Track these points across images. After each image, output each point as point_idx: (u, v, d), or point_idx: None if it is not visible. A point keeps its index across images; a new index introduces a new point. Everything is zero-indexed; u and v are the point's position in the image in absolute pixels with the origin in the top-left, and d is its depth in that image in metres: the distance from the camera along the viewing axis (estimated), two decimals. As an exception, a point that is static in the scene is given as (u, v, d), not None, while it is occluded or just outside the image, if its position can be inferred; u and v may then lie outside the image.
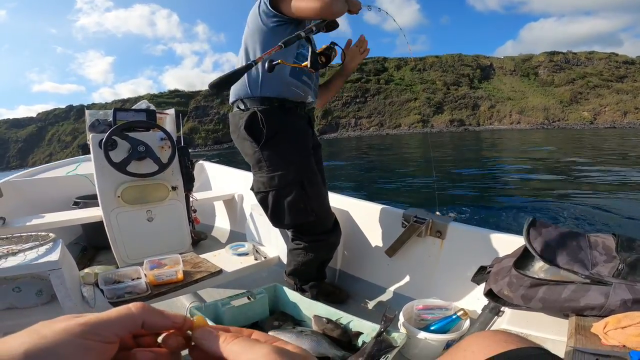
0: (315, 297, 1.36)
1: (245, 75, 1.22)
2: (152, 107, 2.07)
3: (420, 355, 1.20)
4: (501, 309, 1.19)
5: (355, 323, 1.19)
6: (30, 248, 1.12)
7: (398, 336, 1.09)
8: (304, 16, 1.20)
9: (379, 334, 1.07)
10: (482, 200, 6.09)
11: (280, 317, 1.32)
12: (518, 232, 1.32)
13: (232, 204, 2.75)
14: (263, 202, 1.34)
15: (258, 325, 1.29)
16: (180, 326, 0.28)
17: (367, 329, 1.16)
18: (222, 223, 2.87)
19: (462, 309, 1.22)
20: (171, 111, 2.25)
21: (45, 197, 2.43)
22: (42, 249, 1.13)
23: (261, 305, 1.33)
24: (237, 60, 1.34)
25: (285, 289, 1.41)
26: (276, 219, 1.34)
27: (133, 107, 2.00)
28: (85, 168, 2.82)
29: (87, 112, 1.98)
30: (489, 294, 1.14)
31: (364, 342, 1.13)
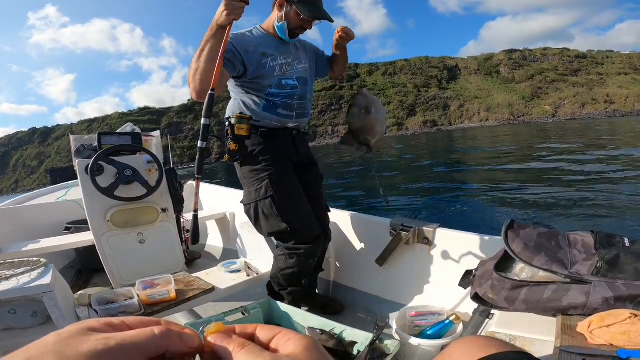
0: (292, 303, 1.39)
1: (230, 105, 1.52)
2: (138, 129, 2.06)
3: (415, 361, 1.20)
4: (491, 312, 1.20)
5: (349, 333, 1.20)
6: (23, 273, 1.13)
7: (391, 344, 1.10)
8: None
9: (372, 343, 1.08)
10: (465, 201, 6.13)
11: (275, 330, 1.33)
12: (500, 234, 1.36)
13: (224, 222, 2.75)
14: (247, 213, 1.50)
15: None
16: (197, 349, 0.29)
17: (361, 338, 1.17)
18: (215, 241, 2.87)
19: (454, 314, 1.24)
20: (156, 133, 2.27)
21: (36, 223, 2.41)
22: (35, 273, 1.15)
23: (256, 321, 1.34)
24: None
25: (279, 303, 1.42)
26: (257, 227, 1.49)
27: (117, 131, 2.01)
28: (74, 193, 2.82)
29: (71, 137, 1.97)
30: (476, 297, 1.15)
31: (359, 352, 1.14)
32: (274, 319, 1.42)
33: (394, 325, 1.25)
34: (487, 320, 1.22)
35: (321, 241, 1.42)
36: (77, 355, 0.23)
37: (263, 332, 0.30)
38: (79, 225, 2.26)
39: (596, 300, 0.90)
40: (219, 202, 2.82)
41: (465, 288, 1.23)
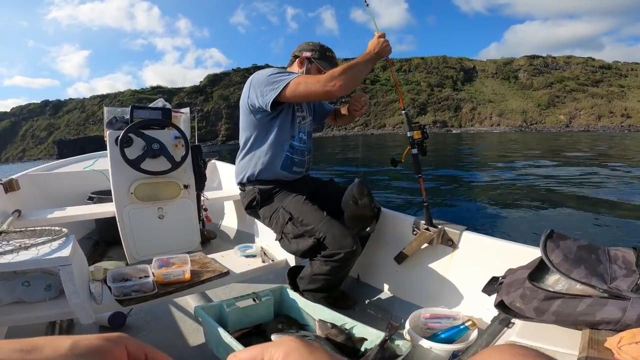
0: (317, 301, 1.35)
1: (244, 163, 1.58)
2: (168, 105, 2.08)
3: (426, 365, 1.16)
4: (511, 321, 1.15)
5: (360, 329, 1.17)
6: (43, 243, 1.12)
7: (403, 344, 1.06)
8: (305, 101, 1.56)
9: (384, 342, 1.05)
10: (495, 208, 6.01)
11: (285, 320, 1.31)
12: (533, 244, 1.28)
13: (242, 205, 2.76)
14: (285, 248, 1.51)
15: (262, 327, 1.28)
16: None
17: (371, 336, 1.14)
18: (230, 223, 2.89)
19: (470, 319, 1.19)
20: (186, 110, 2.27)
21: (61, 191, 2.48)
22: (55, 244, 1.14)
23: (266, 308, 1.33)
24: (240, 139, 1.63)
25: (291, 292, 1.40)
26: (295, 253, 1.49)
27: (150, 105, 2.02)
28: (102, 164, 2.88)
29: (105, 109, 2.01)
30: (500, 305, 1.10)
31: (367, 349, 1.11)
32: (283, 308, 1.41)
33: (407, 325, 1.20)
34: (505, 329, 1.16)
35: (356, 250, 1.36)
36: None
37: (243, 355, 0.29)
38: (102, 196, 2.31)
39: (631, 317, 0.85)
40: None
41: (489, 295, 1.17)
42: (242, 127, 1.58)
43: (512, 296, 1.05)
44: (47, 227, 1.29)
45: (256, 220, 2.51)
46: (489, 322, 1.19)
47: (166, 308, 1.58)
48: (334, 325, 1.18)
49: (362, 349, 1.13)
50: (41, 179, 2.47)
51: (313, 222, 1.40)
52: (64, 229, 1.25)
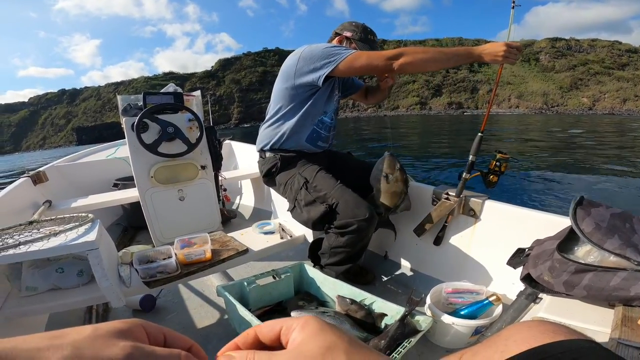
0: (336, 277, 1.35)
1: (269, 131, 1.58)
2: (179, 89, 2.10)
3: (446, 341, 1.15)
4: (538, 296, 1.11)
5: (380, 305, 1.17)
6: (71, 228, 1.17)
7: (424, 320, 1.05)
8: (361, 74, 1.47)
9: (404, 317, 1.04)
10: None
11: (305, 297, 1.33)
12: (562, 213, 1.21)
13: (259, 183, 2.78)
14: (296, 217, 1.50)
15: (282, 305, 1.30)
16: None
17: (391, 311, 1.13)
18: (249, 201, 2.93)
19: (494, 294, 1.15)
20: (197, 93, 2.27)
21: (87, 180, 2.58)
22: (82, 229, 1.19)
23: (286, 285, 1.35)
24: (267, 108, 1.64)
25: (310, 268, 1.41)
26: (308, 225, 1.45)
27: (161, 91, 2.04)
28: (123, 151, 2.96)
29: (118, 97, 2.04)
30: (526, 278, 1.06)
31: (387, 325, 1.10)
32: (303, 285, 1.43)
33: (427, 300, 1.19)
34: (532, 304, 1.12)
35: (372, 219, 1.32)
36: (94, 357, 0.23)
37: (264, 332, 0.30)
38: (126, 182, 2.40)
39: (671, 292, 0.80)
40: (254, 161, 2.84)
41: (514, 268, 1.13)
42: (276, 96, 1.55)
43: (539, 269, 1.00)
44: (75, 214, 1.34)
45: (273, 197, 2.53)
46: (515, 297, 1.15)
47: (191, 289, 1.64)
48: (353, 301, 1.18)
49: (382, 324, 1.13)
50: (67, 169, 2.58)
51: (326, 188, 1.38)
52: (90, 215, 1.30)
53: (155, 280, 1.23)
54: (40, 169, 2.25)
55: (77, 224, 1.22)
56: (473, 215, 1.41)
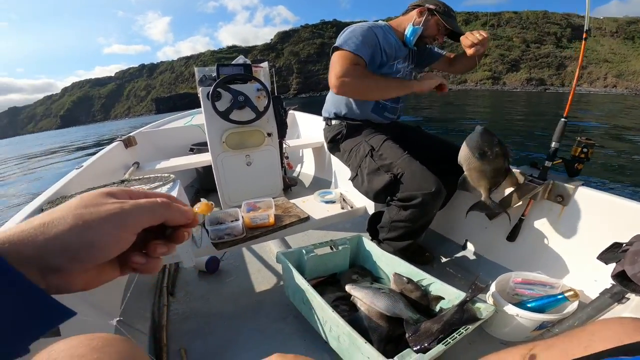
0: (393, 254, 1.33)
1: (337, 99, 1.61)
2: (248, 61, 2.20)
3: (504, 332, 1.09)
4: (626, 296, 0.98)
5: (438, 287, 1.14)
6: (156, 187, 1.32)
7: (485, 308, 1.00)
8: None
9: (463, 303, 1.00)
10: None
11: (359, 271, 1.34)
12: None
13: (321, 152, 2.81)
14: (357, 186, 1.49)
15: (336, 276, 1.34)
16: (191, 222, 0.36)
17: (450, 295, 1.10)
18: (309, 170, 3.00)
19: (572, 289, 1.05)
20: (265, 64, 2.34)
21: (168, 145, 2.88)
22: (164, 189, 1.33)
23: (342, 257, 1.38)
24: None
25: (367, 242, 1.41)
26: (370, 196, 1.43)
27: (232, 63, 2.15)
28: (198, 119, 3.22)
29: (195, 69, 2.20)
30: (619, 276, 0.94)
31: (442, 309, 1.08)
32: (359, 258, 1.44)
33: (492, 288, 1.12)
34: (616, 304, 1.00)
35: (438, 194, 1.25)
36: (95, 216, 0.28)
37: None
38: (200, 147, 2.64)
39: None
40: (316, 131, 2.86)
41: (606, 263, 1.00)
42: None
43: (637, 267, 0.88)
44: (158, 175, 1.50)
45: (334, 167, 2.55)
46: (593, 296, 1.03)
47: (252, 253, 1.75)
48: (410, 280, 1.17)
49: (437, 308, 1.11)
50: (152, 135, 2.90)
51: (392, 157, 1.35)
52: (171, 175, 1.44)
53: (222, 242, 1.35)
54: (131, 134, 2.55)
55: (160, 183, 1.37)
56: (560, 201, 1.25)
